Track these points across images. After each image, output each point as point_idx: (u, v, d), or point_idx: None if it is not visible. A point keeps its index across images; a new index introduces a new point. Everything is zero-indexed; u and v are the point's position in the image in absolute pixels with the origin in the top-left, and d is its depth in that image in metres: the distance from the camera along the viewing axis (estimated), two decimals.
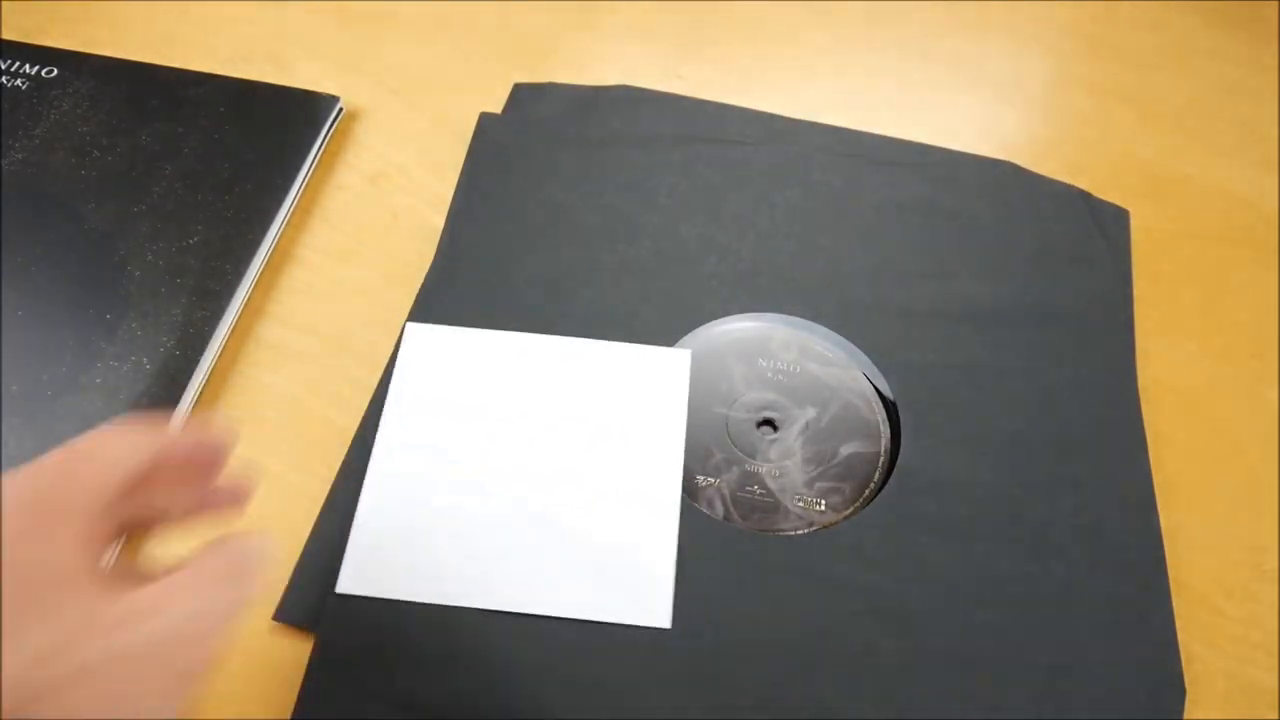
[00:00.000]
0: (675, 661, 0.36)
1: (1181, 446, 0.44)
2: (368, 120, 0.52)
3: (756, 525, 0.39)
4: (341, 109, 0.51)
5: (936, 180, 0.50)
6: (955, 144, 0.52)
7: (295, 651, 0.36)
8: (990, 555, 0.39)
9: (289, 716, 0.34)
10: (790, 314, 0.45)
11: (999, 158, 0.52)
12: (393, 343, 0.43)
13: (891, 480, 0.41)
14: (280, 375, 0.43)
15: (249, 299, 0.44)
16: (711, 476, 0.41)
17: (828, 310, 0.45)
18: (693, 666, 0.36)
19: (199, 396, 0.41)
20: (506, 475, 0.39)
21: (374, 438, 0.40)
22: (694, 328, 0.44)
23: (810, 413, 0.43)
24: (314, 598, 0.36)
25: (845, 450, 0.42)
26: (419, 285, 0.45)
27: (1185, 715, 0.36)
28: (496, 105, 0.52)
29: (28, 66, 0.50)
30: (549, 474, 0.39)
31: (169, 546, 0.31)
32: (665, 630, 0.36)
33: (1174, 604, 0.38)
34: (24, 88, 0.49)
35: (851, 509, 0.40)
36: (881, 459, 0.41)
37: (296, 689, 0.34)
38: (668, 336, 0.44)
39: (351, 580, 0.36)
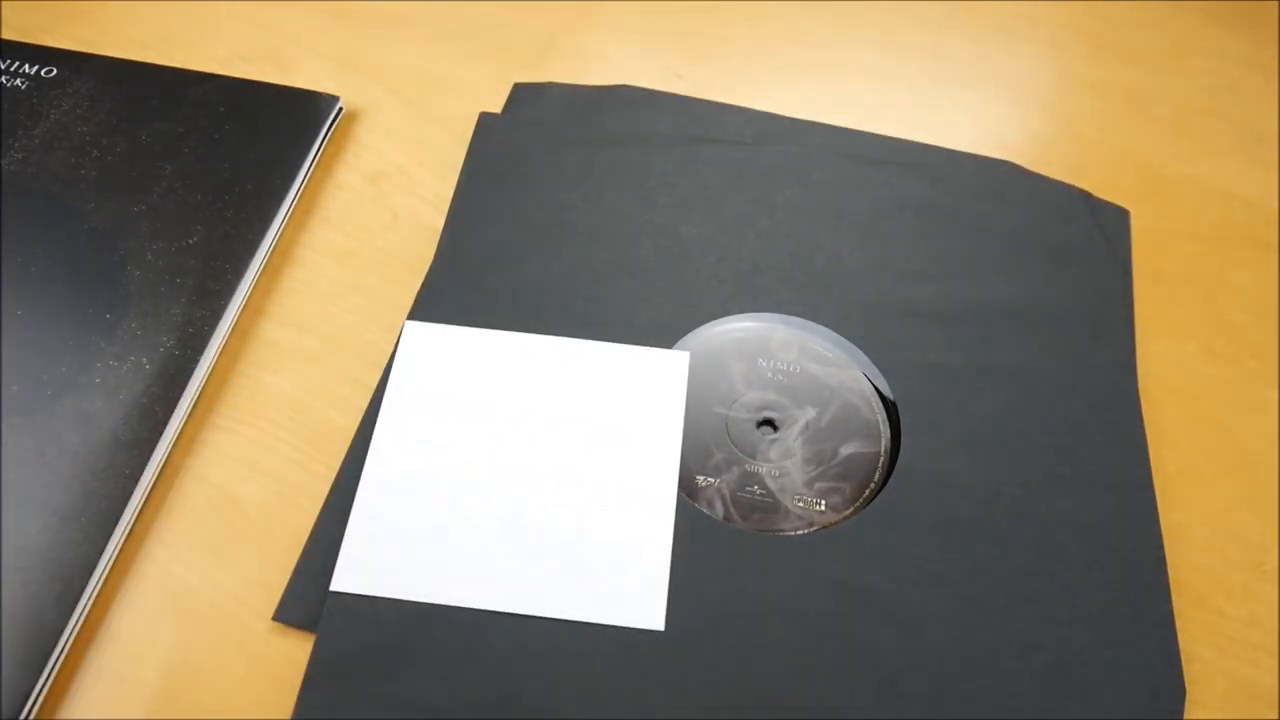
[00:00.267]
0: (670, 663, 0.36)
1: (1181, 446, 0.44)
2: (368, 120, 0.52)
3: (756, 525, 0.39)
4: (341, 109, 0.51)
5: (936, 180, 0.50)
6: (955, 144, 0.52)
7: (295, 651, 0.36)
8: (990, 555, 0.39)
9: (289, 717, 0.34)
10: (790, 314, 0.45)
11: (999, 158, 0.52)
12: (393, 342, 0.43)
13: (891, 480, 0.41)
14: (280, 375, 0.43)
15: (249, 299, 0.44)
16: (711, 476, 0.41)
17: (828, 310, 0.45)
18: (689, 667, 0.35)
19: (198, 396, 0.41)
20: (503, 475, 0.39)
21: (372, 437, 0.40)
22: (694, 328, 0.44)
23: (810, 413, 0.43)
24: (314, 598, 0.36)
25: (845, 450, 0.42)
26: (419, 285, 0.45)
27: (1185, 715, 0.36)
28: (496, 105, 0.52)
29: (27, 66, 0.50)
30: (545, 475, 0.39)
31: None
32: (659, 632, 0.36)
33: (1174, 604, 0.38)
34: (23, 87, 0.49)
35: (851, 509, 0.40)
36: (881, 459, 0.41)
37: (296, 689, 0.35)
38: (667, 336, 0.44)
39: (347, 578, 0.36)
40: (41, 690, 0.34)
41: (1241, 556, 0.41)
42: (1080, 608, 0.38)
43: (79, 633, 0.35)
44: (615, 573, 0.37)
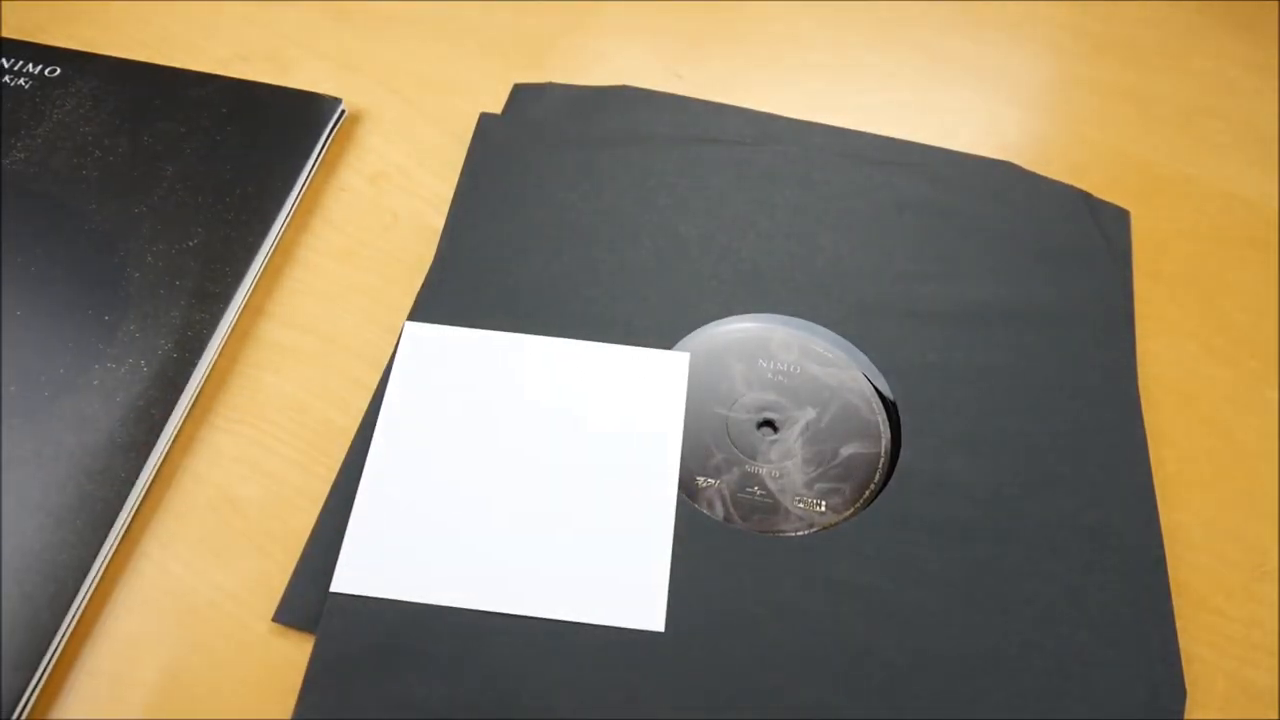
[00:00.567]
0: (670, 663, 0.36)
1: (1181, 446, 0.44)
2: (368, 121, 0.52)
3: (756, 526, 0.39)
4: (344, 111, 0.51)
5: (936, 180, 0.50)
6: (955, 144, 0.52)
7: (295, 652, 0.36)
8: (990, 555, 0.39)
9: (289, 717, 0.34)
10: (790, 314, 0.45)
11: (999, 158, 0.52)
12: (393, 342, 0.43)
13: (892, 481, 0.41)
14: (280, 375, 0.43)
15: (249, 299, 0.44)
16: (711, 477, 0.41)
17: (828, 310, 0.45)
18: (689, 668, 0.35)
19: (196, 397, 0.41)
20: (503, 476, 0.39)
21: (373, 438, 0.40)
22: (694, 328, 0.44)
23: (810, 413, 0.43)
24: (314, 599, 0.36)
25: (845, 451, 0.42)
26: (419, 285, 0.45)
27: (1185, 716, 0.36)
28: (496, 105, 0.52)
29: (31, 65, 0.50)
30: (545, 475, 0.39)
31: None
32: (659, 633, 0.36)
33: (1174, 604, 0.38)
34: (27, 87, 0.49)
35: (852, 510, 0.40)
36: (882, 459, 0.41)
37: (296, 689, 0.35)
38: (667, 337, 0.44)
39: (347, 578, 0.36)
40: (34, 690, 0.34)
41: (1241, 557, 0.41)
42: (1080, 608, 0.38)
43: (77, 632, 0.35)
44: (615, 573, 0.37)
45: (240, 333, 0.43)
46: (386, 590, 0.36)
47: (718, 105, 0.53)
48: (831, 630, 0.37)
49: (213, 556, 0.38)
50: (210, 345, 0.42)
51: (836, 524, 0.40)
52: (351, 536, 0.37)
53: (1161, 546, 0.40)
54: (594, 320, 0.44)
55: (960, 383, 0.43)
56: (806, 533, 0.39)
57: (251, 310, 0.44)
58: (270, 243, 0.45)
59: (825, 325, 0.45)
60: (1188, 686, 0.37)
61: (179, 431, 0.40)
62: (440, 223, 0.47)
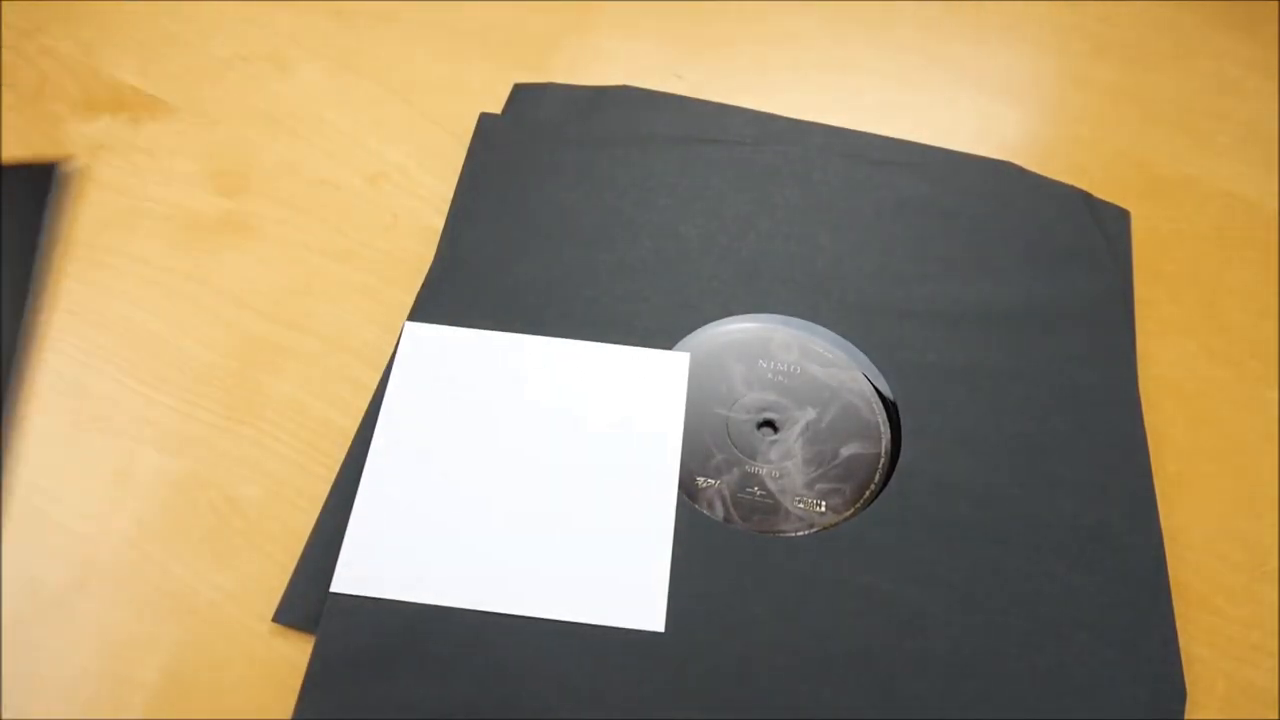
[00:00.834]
0: (670, 664, 0.36)
1: (1181, 446, 0.43)
2: (367, 121, 0.52)
3: (757, 526, 0.39)
4: (64, 173, 0.47)
5: (936, 180, 0.50)
6: (955, 144, 0.52)
7: (295, 652, 0.36)
8: (990, 556, 0.39)
9: (289, 717, 0.34)
10: (790, 314, 0.45)
11: (999, 158, 0.52)
12: (393, 342, 0.43)
13: (892, 481, 0.41)
14: (280, 375, 0.43)
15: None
16: (712, 478, 0.41)
17: (828, 310, 0.45)
18: (689, 667, 0.35)
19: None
20: (503, 476, 0.39)
21: (373, 438, 0.40)
22: (694, 328, 0.44)
23: (810, 413, 0.43)
24: (314, 599, 0.36)
25: (845, 451, 0.42)
26: (419, 285, 0.45)
27: (1185, 716, 0.36)
28: (496, 105, 0.52)
29: None
30: (545, 476, 0.39)
31: None
32: (659, 633, 0.36)
33: (1174, 604, 0.38)
34: None
35: (852, 510, 0.40)
36: (882, 460, 0.41)
37: (296, 689, 0.34)
38: (668, 337, 0.44)
39: (347, 579, 0.36)
40: None
41: (1241, 557, 0.41)
42: (1080, 608, 0.38)
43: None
44: (615, 573, 0.37)
45: (240, 331, 0.43)
46: (386, 591, 0.36)
47: (718, 105, 0.53)
48: (831, 630, 0.37)
49: (213, 557, 0.38)
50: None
51: (836, 524, 0.39)
52: (351, 537, 0.37)
53: (1161, 546, 0.40)
54: (594, 320, 0.44)
55: (960, 383, 0.43)
56: (806, 533, 0.39)
57: (251, 309, 0.44)
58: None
59: (825, 325, 0.45)
60: (1188, 687, 0.37)
61: None
62: (440, 223, 0.47)
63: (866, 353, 0.44)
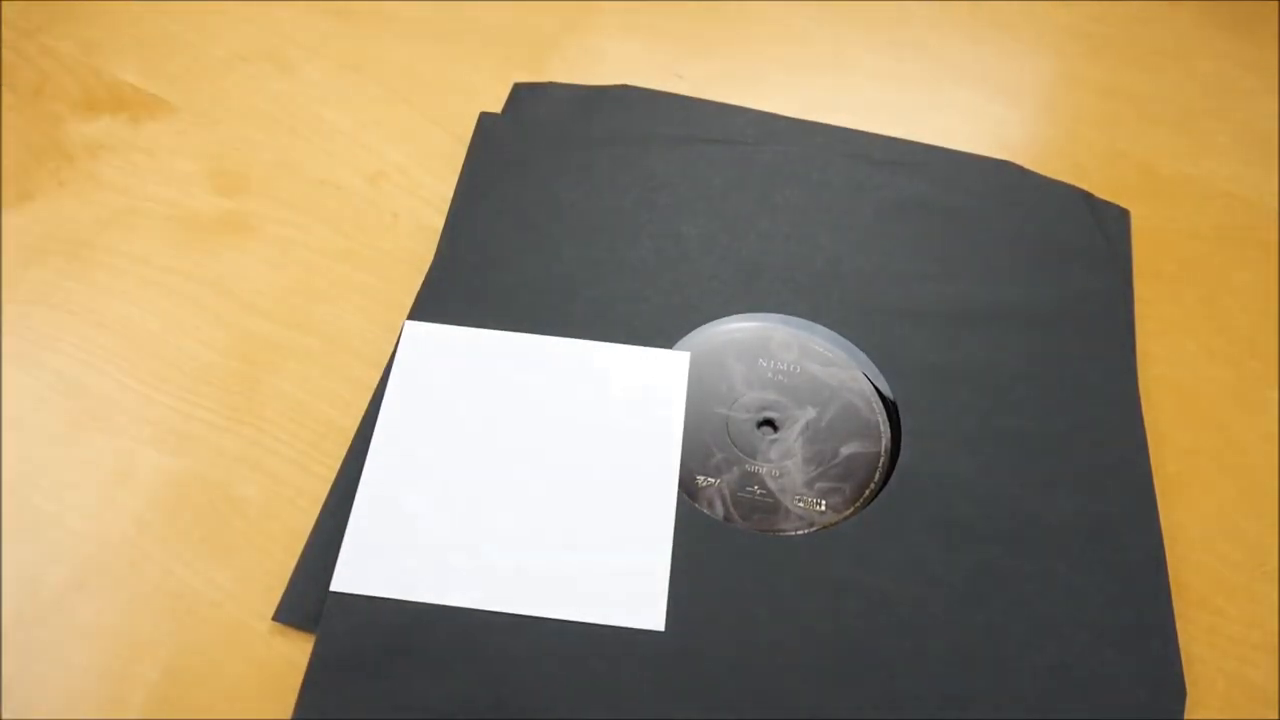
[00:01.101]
0: (671, 663, 0.35)
1: (1181, 446, 0.43)
2: (368, 120, 0.52)
3: (756, 525, 0.39)
4: None
5: (936, 180, 0.50)
6: (955, 144, 0.52)
7: (295, 652, 0.36)
8: (990, 555, 0.39)
9: (289, 717, 0.34)
10: (790, 314, 0.45)
11: (999, 158, 0.52)
12: (393, 342, 0.43)
13: (892, 480, 0.41)
14: (280, 374, 0.43)
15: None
16: (711, 477, 0.41)
17: (828, 310, 0.45)
18: (689, 667, 0.35)
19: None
20: (503, 475, 0.39)
21: (373, 437, 0.40)
22: (694, 328, 0.44)
23: (810, 413, 0.43)
24: (314, 598, 0.36)
25: (845, 450, 0.42)
26: (419, 285, 0.45)
27: (1185, 715, 0.36)
28: (496, 105, 0.52)
29: None
30: (545, 475, 0.39)
31: None
32: (659, 632, 0.36)
33: (1174, 604, 0.38)
34: None
35: (852, 509, 0.40)
36: (882, 459, 0.41)
37: (296, 689, 0.35)
38: (668, 336, 0.44)
39: (347, 578, 0.36)
40: None
41: (1241, 556, 0.41)
42: (1080, 608, 0.38)
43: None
44: (615, 573, 0.37)
45: (240, 331, 0.43)
46: (386, 590, 0.36)
47: (718, 105, 0.53)
48: (831, 629, 0.37)
49: (213, 556, 0.38)
50: None
51: (836, 523, 0.39)
52: (351, 536, 0.37)
53: (1161, 546, 0.40)
54: (594, 319, 0.44)
55: (960, 383, 0.43)
56: (806, 532, 0.39)
57: (249, 308, 0.44)
58: None
59: (825, 325, 0.45)
60: (1188, 686, 0.37)
61: None
62: (440, 223, 0.47)
63: (866, 352, 0.44)
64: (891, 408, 0.43)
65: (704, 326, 0.44)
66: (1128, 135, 0.55)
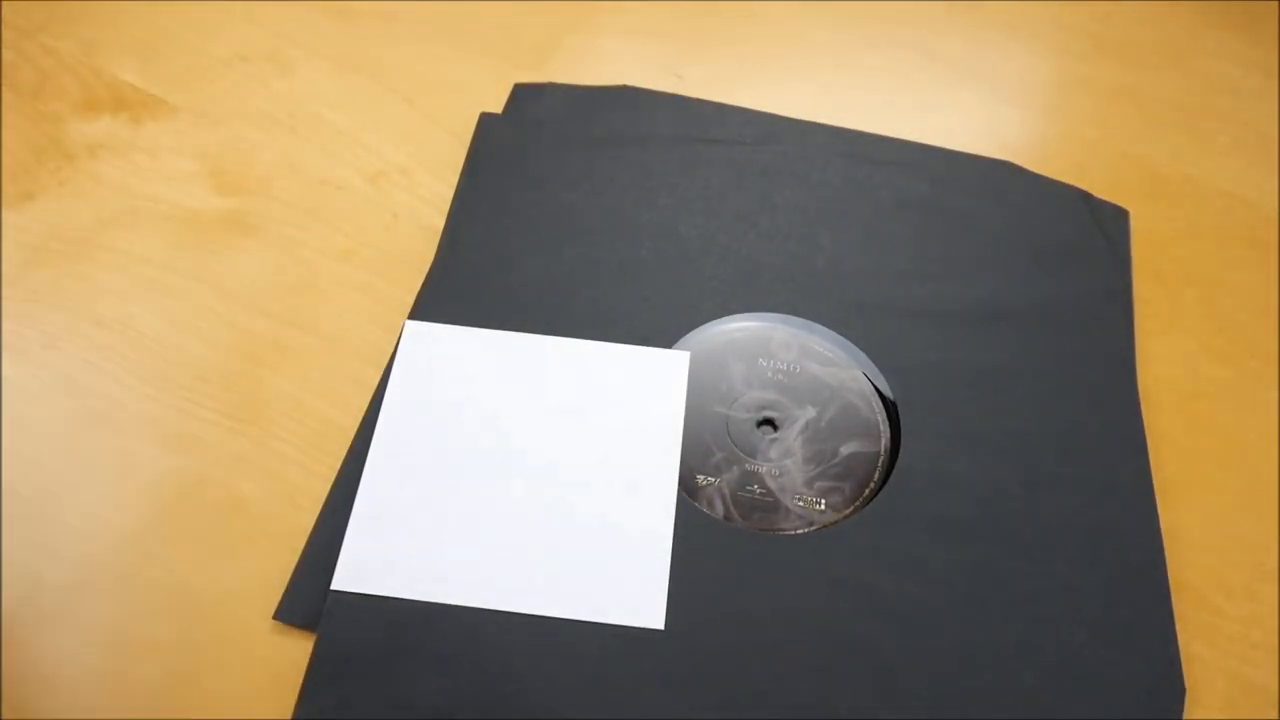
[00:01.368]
0: (670, 662, 0.36)
1: (1181, 446, 0.44)
2: (368, 120, 0.52)
3: (756, 524, 0.39)
4: None
5: (936, 180, 0.50)
6: (955, 144, 0.52)
7: (295, 651, 0.36)
8: (990, 555, 0.39)
9: (289, 717, 0.34)
10: (790, 313, 0.45)
11: (999, 158, 0.52)
12: (393, 342, 0.43)
13: (891, 480, 0.41)
14: (280, 375, 0.43)
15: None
16: (711, 476, 0.41)
17: (828, 310, 0.45)
18: (689, 667, 0.35)
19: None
20: (503, 474, 0.39)
21: (373, 436, 0.40)
22: (694, 327, 0.44)
23: (810, 412, 0.43)
24: (314, 598, 0.36)
25: (845, 450, 0.42)
26: (419, 284, 0.45)
27: (1185, 715, 0.36)
28: (496, 105, 0.52)
29: None
30: (546, 474, 0.39)
31: None
32: (659, 631, 0.36)
33: (1174, 604, 0.38)
34: None
35: (851, 508, 0.40)
36: (881, 459, 0.41)
37: (296, 689, 0.35)
38: (668, 336, 0.44)
39: (348, 577, 0.36)
40: None
41: (1241, 556, 0.41)
42: (1080, 608, 0.38)
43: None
44: (615, 572, 0.37)
45: (240, 330, 0.43)
46: (387, 588, 0.36)
47: (718, 105, 0.53)
48: (831, 628, 0.37)
49: (213, 555, 0.38)
50: None
51: (836, 522, 0.40)
52: (352, 535, 0.37)
53: (1161, 547, 0.40)
54: (594, 319, 0.44)
55: (960, 383, 0.43)
56: (806, 531, 0.39)
57: (250, 308, 0.44)
58: None
59: (825, 325, 0.45)
60: (1187, 686, 0.37)
61: None
62: (440, 223, 0.47)
63: (866, 351, 0.44)
64: (891, 407, 0.43)
65: (704, 326, 0.44)
66: (1128, 135, 0.55)
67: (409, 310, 0.44)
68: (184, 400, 0.41)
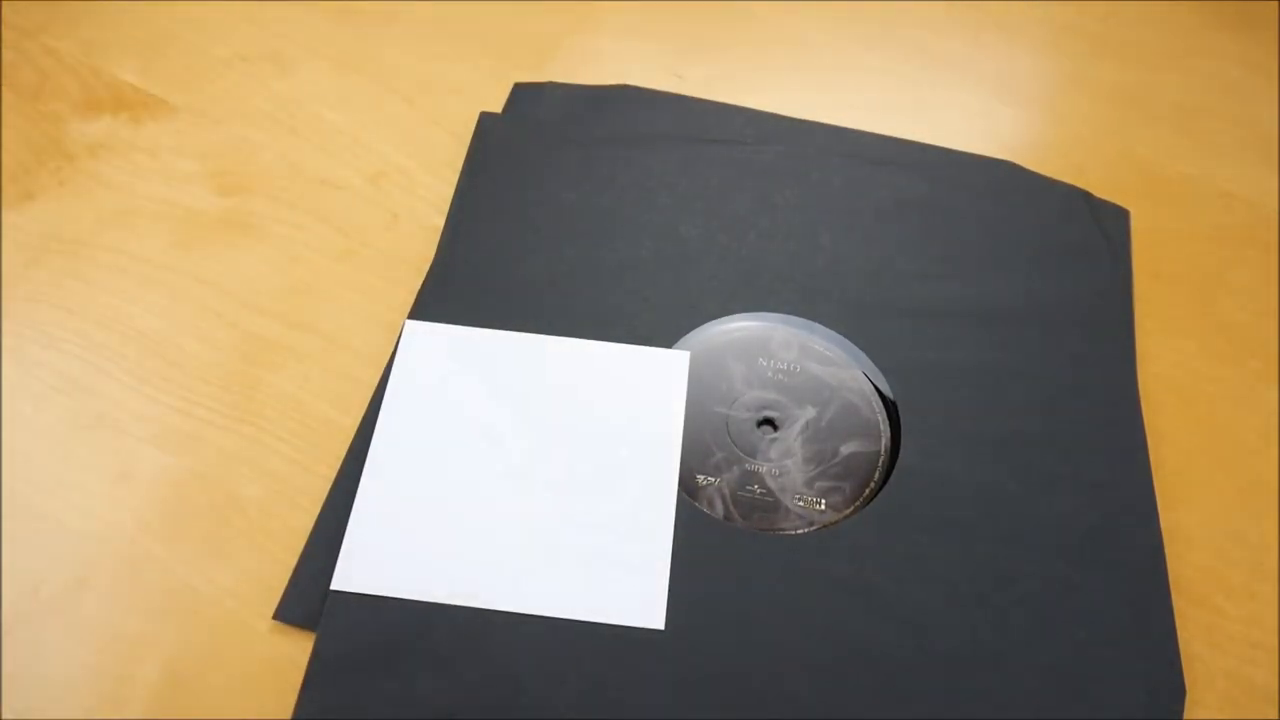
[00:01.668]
0: (670, 662, 0.36)
1: (1181, 446, 0.44)
2: (368, 120, 0.52)
3: (756, 524, 0.39)
4: None
5: (936, 180, 0.50)
6: (955, 144, 0.52)
7: (295, 651, 0.36)
8: (990, 555, 0.39)
9: (289, 717, 0.34)
10: (790, 314, 0.45)
11: (999, 158, 0.52)
12: (393, 342, 0.43)
13: (891, 480, 0.41)
14: (280, 375, 0.43)
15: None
16: (711, 476, 0.41)
17: (828, 310, 0.45)
18: (689, 667, 0.35)
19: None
20: (503, 474, 0.39)
21: (373, 436, 0.40)
22: (694, 327, 0.44)
23: (810, 412, 0.43)
24: (314, 597, 0.36)
25: (845, 450, 0.42)
26: (419, 284, 0.45)
27: (1185, 715, 0.36)
28: (496, 105, 0.52)
29: None
30: (546, 474, 0.39)
31: None
32: (659, 631, 0.36)
33: (1174, 604, 0.38)
34: None
35: (851, 508, 0.40)
36: (881, 458, 0.41)
37: (296, 688, 0.35)
38: (668, 336, 0.44)
39: (348, 577, 0.36)
40: None
41: (1241, 556, 0.41)
42: (1079, 607, 0.38)
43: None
44: (615, 572, 0.37)
45: (241, 330, 0.43)
46: (387, 588, 0.36)
47: (718, 105, 0.53)
48: (831, 628, 0.37)
49: (213, 555, 0.38)
50: None
51: (836, 522, 0.40)
52: (352, 535, 0.37)
53: (1161, 545, 0.40)
54: (594, 319, 0.44)
55: (960, 382, 0.43)
56: (806, 531, 0.39)
57: (250, 307, 0.44)
58: None
59: (825, 325, 0.45)
60: (1187, 686, 0.37)
61: None
62: (440, 222, 0.47)
63: (866, 351, 0.44)
64: (891, 407, 0.43)
65: (704, 326, 0.44)
66: (1128, 135, 0.55)
67: (409, 310, 0.44)
68: (183, 400, 0.41)
